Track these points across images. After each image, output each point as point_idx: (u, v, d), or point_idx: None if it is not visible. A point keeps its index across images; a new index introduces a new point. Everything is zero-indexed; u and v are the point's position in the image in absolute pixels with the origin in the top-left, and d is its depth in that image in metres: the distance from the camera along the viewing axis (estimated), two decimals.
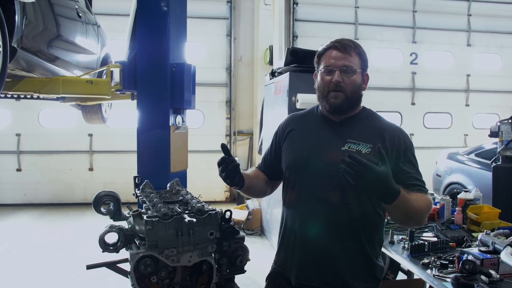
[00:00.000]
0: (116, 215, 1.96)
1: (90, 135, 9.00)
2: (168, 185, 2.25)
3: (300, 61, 5.37)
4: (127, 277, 1.68)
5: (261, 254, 4.59)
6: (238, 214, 6.75)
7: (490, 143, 6.23)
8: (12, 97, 4.43)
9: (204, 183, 8.84)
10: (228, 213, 1.75)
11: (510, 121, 4.56)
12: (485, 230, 2.59)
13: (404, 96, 10.28)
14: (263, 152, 2.15)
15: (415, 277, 3.32)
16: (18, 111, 8.63)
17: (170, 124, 3.73)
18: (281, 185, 2.02)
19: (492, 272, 2.02)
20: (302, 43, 9.28)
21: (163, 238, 1.63)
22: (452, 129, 10.55)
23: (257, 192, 2.08)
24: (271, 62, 8.52)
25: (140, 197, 2.08)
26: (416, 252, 2.44)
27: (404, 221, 1.78)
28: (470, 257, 2.14)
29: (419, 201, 1.66)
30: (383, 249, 2.64)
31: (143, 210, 1.82)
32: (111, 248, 1.74)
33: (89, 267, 1.93)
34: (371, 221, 1.80)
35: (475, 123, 10.63)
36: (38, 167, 8.88)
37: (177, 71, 3.75)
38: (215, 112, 9.50)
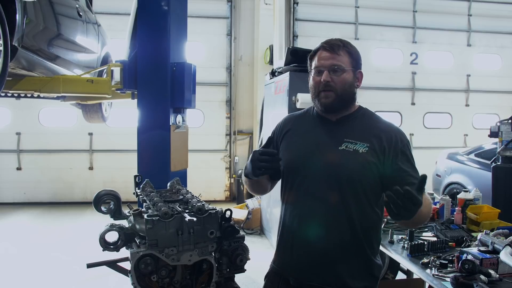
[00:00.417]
0: (116, 214, 1.96)
1: (90, 134, 8.99)
2: (169, 184, 2.25)
3: (300, 61, 5.37)
4: (128, 276, 1.69)
5: (261, 254, 4.59)
6: (238, 213, 6.75)
7: (489, 143, 6.24)
8: (12, 96, 4.43)
9: (204, 183, 8.85)
10: (228, 212, 1.76)
11: (510, 121, 4.57)
12: (484, 230, 2.59)
13: (404, 96, 10.27)
14: None
15: (415, 276, 3.32)
16: (18, 110, 8.63)
17: (171, 124, 3.73)
18: (279, 184, 2.03)
19: (492, 272, 2.03)
20: (302, 43, 9.28)
21: (164, 237, 1.64)
22: (452, 129, 10.55)
23: (261, 186, 2.03)
24: (271, 62, 8.52)
25: (140, 196, 2.08)
26: (416, 252, 2.45)
27: (409, 226, 1.78)
28: (469, 257, 2.15)
29: (425, 205, 1.64)
30: (382, 249, 2.65)
31: (144, 209, 1.83)
32: (112, 246, 1.75)
33: (90, 265, 1.93)
34: (369, 220, 1.80)
35: (475, 123, 10.63)
36: (38, 166, 8.88)
37: (178, 70, 3.75)
38: (215, 111, 9.50)
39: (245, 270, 1.81)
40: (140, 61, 3.79)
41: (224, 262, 1.77)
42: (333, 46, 1.81)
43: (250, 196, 7.56)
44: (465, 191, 3.43)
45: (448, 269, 2.21)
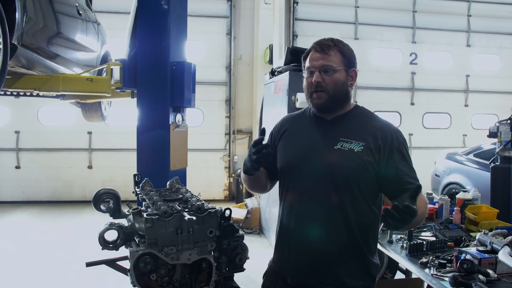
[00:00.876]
0: (115, 212, 1.96)
1: (90, 133, 8.99)
2: (168, 183, 2.25)
3: (300, 60, 5.34)
4: (127, 275, 1.69)
5: (260, 253, 4.59)
6: (237, 212, 6.75)
7: (488, 144, 6.25)
8: (11, 94, 4.43)
9: (203, 182, 8.85)
10: (227, 212, 1.76)
11: (509, 121, 4.58)
12: (483, 230, 2.60)
13: (404, 96, 10.28)
14: None
15: (413, 276, 3.33)
16: (17, 109, 8.61)
17: (170, 123, 3.73)
18: (277, 184, 2.03)
19: (490, 271, 2.03)
20: (302, 43, 9.28)
21: (163, 236, 1.64)
22: (451, 129, 10.56)
23: (260, 184, 2.04)
24: (271, 61, 8.52)
25: (140, 195, 2.08)
26: (415, 252, 2.46)
27: (404, 229, 1.78)
28: (468, 257, 2.15)
29: (420, 207, 1.64)
30: (381, 248, 2.66)
31: (143, 208, 1.83)
32: (111, 245, 1.75)
33: (89, 264, 1.93)
34: (366, 219, 1.80)
35: (474, 124, 10.65)
36: (37, 164, 8.88)
37: (177, 69, 3.75)
38: (215, 110, 9.50)
39: (245, 269, 1.81)
40: (140, 60, 3.79)
41: (223, 261, 1.77)
42: (323, 46, 1.81)
43: (249, 196, 7.57)
44: (464, 191, 3.44)
45: (447, 268, 2.22)
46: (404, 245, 2.58)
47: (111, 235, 1.75)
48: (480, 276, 1.97)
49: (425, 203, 1.77)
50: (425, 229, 2.92)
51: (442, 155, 7.35)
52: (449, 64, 10.53)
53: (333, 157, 1.77)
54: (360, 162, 1.74)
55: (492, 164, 4.75)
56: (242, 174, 1.94)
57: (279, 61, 6.80)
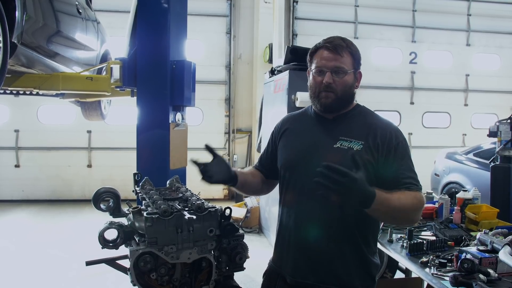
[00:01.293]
0: (115, 211, 1.95)
1: (89, 131, 8.98)
2: (168, 182, 2.25)
3: (299, 59, 5.37)
4: (127, 274, 1.68)
5: (259, 252, 4.59)
6: (237, 212, 6.75)
7: (488, 143, 6.25)
8: (11, 93, 4.42)
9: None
10: (227, 211, 1.76)
11: (509, 121, 4.57)
12: (483, 229, 2.60)
13: (403, 95, 10.28)
14: (262, 151, 2.16)
15: (413, 275, 3.33)
16: (16, 107, 8.61)
17: (170, 121, 3.72)
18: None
19: (491, 271, 2.03)
20: (302, 42, 9.28)
21: (163, 235, 1.63)
22: (451, 128, 10.57)
23: (252, 189, 2.09)
24: (270, 60, 8.51)
25: (139, 194, 2.08)
26: (415, 251, 2.46)
27: (389, 222, 1.71)
28: (468, 256, 2.15)
29: (403, 199, 1.61)
30: (381, 247, 2.66)
31: (143, 207, 1.83)
32: (111, 244, 1.75)
33: (88, 263, 1.92)
34: (366, 219, 1.78)
35: (473, 123, 10.65)
36: (36, 163, 8.87)
37: (177, 68, 3.74)
38: (214, 109, 9.50)
39: (245, 268, 1.81)
40: (139, 59, 3.79)
41: (223, 260, 1.77)
42: (337, 46, 1.78)
43: None
44: (464, 190, 3.44)
45: (447, 268, 2.22)
46: (404, 244, 2.58)
47: (111, 234, 1.75)
48: (481, 276, 1.96)
49: (414, 199, 1.66)
50: (425, 229, 2.92)
51: (441, 155, 7.36)
52: (448, 64, 10.53)
53: (332, 156, 1.76)
54: (359, 161, 1.73)
55: (492, 164, 4.75)
56: None
57: (278, 60, 6.79)
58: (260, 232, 6.72)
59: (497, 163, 4.65)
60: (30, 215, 7.75)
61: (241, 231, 1.83)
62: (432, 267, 2.25)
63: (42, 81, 3.85)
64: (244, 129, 9.61)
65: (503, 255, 2.09)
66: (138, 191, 2.13)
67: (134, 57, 3.82)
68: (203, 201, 1.80)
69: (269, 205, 6.17)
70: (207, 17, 9.31)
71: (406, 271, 3.71)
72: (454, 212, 3.12)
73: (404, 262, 2.49)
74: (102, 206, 1.96)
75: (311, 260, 1.79)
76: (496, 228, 2.66)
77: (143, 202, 1.91)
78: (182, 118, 3.94)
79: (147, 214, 1.63)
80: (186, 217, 1.63)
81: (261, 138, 6.83)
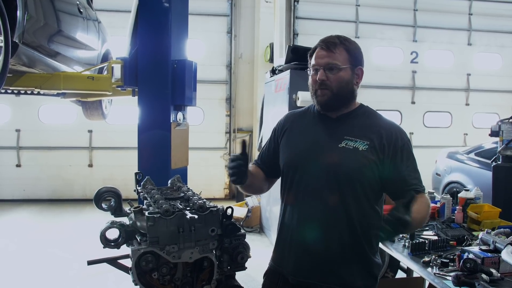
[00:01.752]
0: (117, 211, 1.95)
1: (90, 131, 8.98)
2: (169, 181, 2.25)
3: (301, 59, 5.36)
4: (128, 273, 1.68)
5: (261, 252, 4.59)
6: (238, 211, 6.75)
7: (489, 143, 6.24)
8: (12, 92, 4.42)
9: (204, 180, 8.84)
10: (229, 210, 1.75)
11: (510, 120, 4.56)
12: (485, 229, 2.59)
13: (404, 95, 10.27)
14: (263, 147, 2.16)
15: (415, 275, 3.32)
16: (17, 107, 8.61)
17: (171, 121, 3.72)
18: (279, 182, 2.02)
19: (493, 270, 2.03)
20: (303, 41, 9.27)
21: (165, 234, 1.63)
22: (452, 128, 10.55)
23: (255, 189, 2.11)
24: (271, 60, 8.51)
25: (141, 194, 2.08)
26: (417, 251, 2.45)
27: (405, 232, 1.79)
28: (471, 256, 2.15)
29: (420, 210, 1.66)
30: (383, 247, 2.65)
31: (145, 207, 1.82)
32: (112, 244, 1.75)
33: (90, 262, 1.92)
34: (368, 218, 1.79)
35: (475, 123, 10.63)
36: (37, 163, 8.87)
37: (179, 67, 3.74)
38: (215, 109, 9.49)
39: (246, 267, 1.81)
40: (141, 58, 3.79)
41: (225, 259, 1.77)
42: (329, 44, 1.80)
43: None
44: (465, 190, 3.43)
45: (449, 267, 2.21)
46: (406, 244, 2.58)
47: (113, 234, 1.75)
48: (483, 276, 1.96)
49: (426, 206, 1.74)
50: (427, 228, 2.91)
51: (443, 154, 7.34)
52: (450, 63, 10.51)
53: (337, 155, 1.76)
54: (364, 161, 1.73)
55: (494, 163, 4.74)
56: None
57: (279, 59, 6.78)
58: (261, 232, 6.72)
59: (499, 162, 4.64)
60: (31, 215, 7.75)
61: (242, 231, 1.82)
62: (434, 267, 2.24)
63: (43, 81, 3.85)
64: (245, 128, 9.61)
65: (505, 254, 2.08)
66: (139, 191, 2.13)
67: (135, 57, 3.82)
68: (205, 200, 1.80)
69: (270, 204, 6.16)
70: (208, 17, 9.31)
71: (408, 271, 3.70)
72: (456, 211, 3.12)
73: (406, 261, 2.49)
74: (103, 205, 1.96)
75: (313, 260, 1.79)
76: (498, 227, 2.66)
77: (145, 201, 1.92)
78: (183, 118, 3.93)
79: (148, 213, 1.63)
80: (187, 216, 1.63)
81: (262, 138, 6.83)
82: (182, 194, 2.00)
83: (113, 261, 1.95)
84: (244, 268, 1.81)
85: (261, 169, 2.07)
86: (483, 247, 2.33)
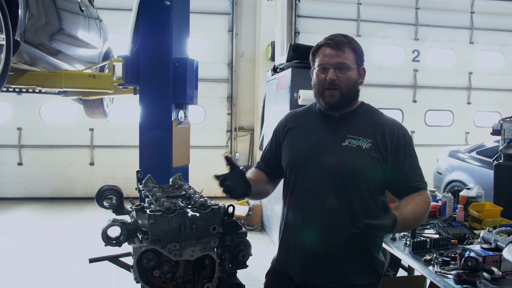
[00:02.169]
0: (118, 209, 1.95)
1: (91, 129, 8.99)
2: (171, 179, 2.25)
3: (302, 57, 5.36)
4: (130, 271, 1.69)
5: (262, 250, 4.60)
6: (239, 209, 6.75)
7: (491, 141, 6.23)
8: (14, 90, 4.42)
9: (204, 179, 8.76)
10: (230, 208, 1.75)
11: None
12: (487, 228, 2.59)
13: (406, 93, 10.26)
14: (264, 149, 2.15)
15: (416, 273, 3.32)
16: (19, 105, 8.63)
17: (173, 119, 3.72)
18: (281, 182, 2.02)
19: (494, 269, 2.02)
20: (304, 39, 9.26)
21: (166, 232, 1.63)
22: (454, 127, 10.54)
23: (262, 194, 2.07)
24: (272, 58, 8.50)
25: (142, 192, 2.08)
26: (418, 249, 2.45)
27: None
28: (472, 254, 2.15)
29: (417, 210, 1.71)
30: (384, 245, 2.64)
31: (146, 205, 1.82)
32: (114, 242, 1.74)
33: (92, 260, 1.93)
34: (372, 216, 1.78)
35: (476, 121, 10.62)
36: (39, 161, 8.89)
37: (180, 66, 3.73)
38: (216, 107, 9.49)
39: (247, 266, 1.80)
40: (142, 57, 3.78)
41: (226, 257, 1.77)
42: (339, 43, 1.78)
43: None
44: (467, 188, 3.43)
45: (451, 266, 2.21)
46: (408, 242, 2.57)
47: (114, 232, 1.75)
48: (485, 274, 1.96)
49: (425, 204, 1.76)
50: (428, 227, 2.91)
51: (444, 153, 7.33)
52: (451, 61, 10.49)
53: (340, 154, 1.76)
54: (368, 159, 1.74)
55: (496, 162, 4.74)
56: None
57: (281, 58, 6.78)
58: (262, 230, 6.73)
59: (501, 161, 4.64)
60: (33, 213, 7.77)
61: (243, 229, 1.82)
62: (435, 265, 2.24)
63: (45, 79, 3.85)
64: (246, 127, 9.61)
65: (507, 253, 2.08)
66: (141, 189, 2.13)
67: (136, 55, 3.82)
68: (206, 198, 1.80)
69: (271, 203, 6.16)
70: (210, 15, 9.30)
71: (409, 269, 3.70)
72: (457, 210, 3.12)
73: (407, 260, 2.49)
74: (105, 203, 1.96)
75: (318, 259, 1.79)
76: (499, 226, 2.66)
77: (146, 199, 1.92)
78: (185, 116, 3.93)
79: (150, 211, 1.63)
80: (189, 214, 1.63)
81: (263, 136, 6.82)
82: (183, 192, 2.00)
83: (114, 259, 1.95)
84: (245, 266, 1.81)
85: (264, 171, 2.06)
86: (485, 246, 2.33)
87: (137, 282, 1.65)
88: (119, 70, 3.94)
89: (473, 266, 1.97)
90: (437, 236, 2.65)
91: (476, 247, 2.31)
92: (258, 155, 8.62)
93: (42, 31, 3.34)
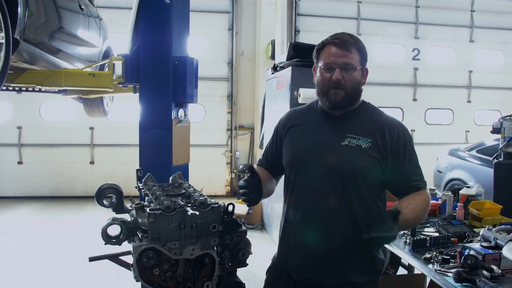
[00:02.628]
0: (118, 207, 1.95)
1: (91, 128, 8.99)
2: (171, 178, 2.25)
3: (302, 56, 5.35)
4: (130, 270, 1.68)
5: (262, 248, 4.60)
6: (239, 208, 6.73)
7: (491, 140, 6.23)
8: (14, 89, 4.42)
9: (205, 177, 8.85)
10: (230, 207, 1.75)
11: None
12: (487, 226, 2.59)
13: (406, 92, 10.26)
14: (264, 147, 2.15)
15: (416, 271, 3.33)
16: (19, 104, 8.62)
17: (173, 118, 3.72)
18: (282, 180, 2.02)
19: (494, 267, 2.03)
20: (304, 38, 9.25)
21: (166, 230, 1.63)
22: (454, 125, 10.54)
23: (267, 193, 2.05)
24: (273, 57, 8.49)
25: (142, 190, 2.08)
26: (418, 247, 2.45)
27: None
28: (472, 252, 2.15)
29: (416, 210, 1.72)
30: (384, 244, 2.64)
31: (146, 203, 1.82)
32: (114, 240, 1.74)
33: (92, 259, 1.92)
34: (372, 215, 1.79)
35: (476, 120, 10.62)
36: (39, 160, 8.89)
37: (180, 64, 3.72)
38: (217, 106, 9.49)
39: (247, 264, 1.80)
40: (142, 55, 3.77)
41: (226, 256, 1.77)
42: (345, 42, 1.77)
43: None
44: (467, 187, 3.43)
45: (450, 264, 2.22)
46: (407, 240, 2.58)
47: (114, 230, 1.74)
48: (484, 272, 1.96)
49: (424, 203, 1.77)
50: (428, 225, 2.91)
51: (444, 151, 7.34)
52: (452, 60, 10.49)
53: (341, 153, 1.76)
54: (367, 159, 1.74)
55: (496, 160, 4.74)
56: None
57: (281, 56, 6.77)
58: (263, 229, 6.73)
59: (501, 159, 4.65)
60: (33, 212, 7.77)
61: (243, 227, 1.82)
62: (435, 263, 2.24)
63: (45, 78, 3.85)
64: (246, 125, 9.61)
65: (507, 251, 2.09)
66: (141, 187, 2.13)
67: (136, 53, 3.80)
68: (206, 197, 1.80)
69: (271, 201, 6.17)
70: (210, 14, 9.29)
71: (409, 267, 3.71)
72: (457, 208, 3.12)
73: (407, 258, 2.49)
74: (105, 202, 1.95)
75: (317, 257, 1.79)
76: (499, 224, 2.66)
77: (146, 198, 1.91)
78: (185, 115, 3.93)
79: (150, 210, 1.63)
80: (189, 213, 1.63)
81: (263, 135, 6.82)
82: (183, 191, 2.00)
83: (114, 258, 1.95)
84: (245, 265, 1.81)
85: (266, 168, 2.07)
86: (484, 244, 2.33)
87: (137, 280, 1.65)
88: (119, 69, 3.93)
89: (473, 264, 1.98)
90: (437, 234, 2.65)
91: (476, 245, 2.31)
92: (258, 153, 8.63)
93: (42, 29, 3.33)
